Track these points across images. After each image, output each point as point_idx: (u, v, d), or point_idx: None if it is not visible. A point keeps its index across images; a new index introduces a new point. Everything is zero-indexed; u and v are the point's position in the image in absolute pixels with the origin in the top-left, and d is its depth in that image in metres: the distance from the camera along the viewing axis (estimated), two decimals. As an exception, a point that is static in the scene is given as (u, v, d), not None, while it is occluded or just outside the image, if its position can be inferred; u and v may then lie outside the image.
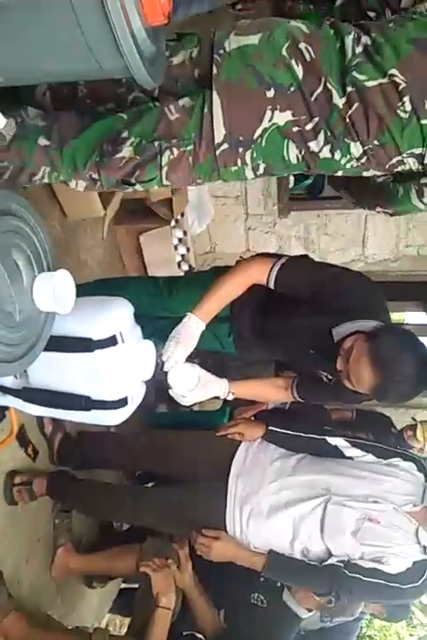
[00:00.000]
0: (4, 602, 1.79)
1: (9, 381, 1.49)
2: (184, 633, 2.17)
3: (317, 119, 1.27)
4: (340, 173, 1.38)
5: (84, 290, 1.36)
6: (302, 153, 1.31)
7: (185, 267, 3.36)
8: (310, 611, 1.98)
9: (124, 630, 2.30)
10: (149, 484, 2.40)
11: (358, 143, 1.29)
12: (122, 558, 2.19)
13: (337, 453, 1.85)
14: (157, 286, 1.96)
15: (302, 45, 1.24)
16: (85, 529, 2.47)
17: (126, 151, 1.32)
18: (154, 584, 1.87)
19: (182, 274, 3.27)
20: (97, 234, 2.74)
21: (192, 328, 1.50)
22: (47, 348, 1.26)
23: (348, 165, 1.33)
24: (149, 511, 2.00)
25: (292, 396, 1.85)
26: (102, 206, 2.41)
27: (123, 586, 2.78)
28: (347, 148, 1.30)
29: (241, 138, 1.29)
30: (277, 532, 1.77)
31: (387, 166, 1.33)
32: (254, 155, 1.31)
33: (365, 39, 1.24)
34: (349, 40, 1.24)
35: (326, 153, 1.31)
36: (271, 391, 1.91)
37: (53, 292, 1.16)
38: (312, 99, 1.25)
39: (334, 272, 1.71)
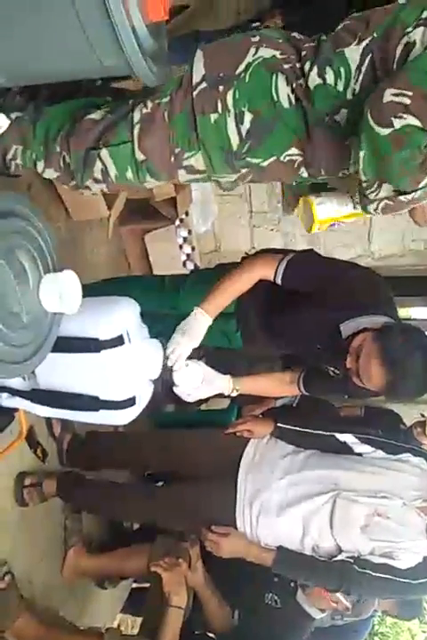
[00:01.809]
0: (16, 604, 1.80)
1: (17, 383, 1.49)
2: (196, 632, 2.17)
3: (305, 53, 1.21)
4: (343, 114, 1.19)
5: (90, 290, 1.36)
6: (294, 86, 1.19)
7: (190, 265, 3.36)
8: (323, 611, 1.98)
9: (137, 630, 2.29)
10: (159, 484, 2.40)
11: (355, 44, 1.15)
12: (133, 558, 2.20)
13: (346, 449, 1.84)
14: (163, 285, 1.96)
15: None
16: (96, 529, 2.48)
17: (97, 114, 1.28)
18: (165, 583, 1.87)
19: (188, 272, 3.27)
20: (102, 234, 2.74)
21: (199, 322, 1.50)
22: (55, 349, 1.27)
23: (347, 89, 1.17)
24: (159, 510, 2.00)
25: (298, 389, 1.84)
26: (107, 207, 2.42)
27: (134, 585, 2.78)
28: (341, 60, 1.16)
29: (221, 74, 1.19)
30: (287, 529, 1.77)
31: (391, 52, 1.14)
32: (237, 95, 1.18)
33: None
34: None
35: (315, 79, 1.17)
36: (277, 386, 1.91)
37: (60, 292, 1.16)
38: (303, 45, 1.22)
39: (340, 267, 1.70)
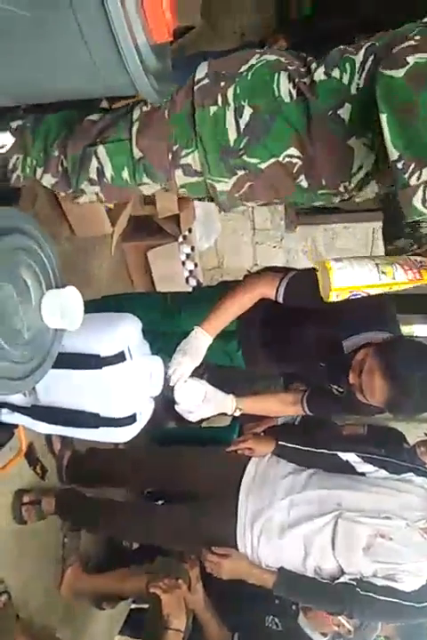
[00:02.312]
0: (13, 624, 1.77)
1: (18, 399, 1.48)
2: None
3: (310, 59, 1.20)
4: (347, 109, 1.14)
5: (92, 306, 1.36)
6: (297, 82, 1.17)
7: (193, 282, 3.37)
8: (325, 635, 1.94)
9: (135, 652, 2.26)
10: (159, 502, 2.38)
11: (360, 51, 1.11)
12: (131, 578, 2.17)
13: (349, 469, 1.82)
14: (165, 302, 1.96)
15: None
16: (95, 548, 2.45)
17: (96, 115, 1.28)
18: (164, 605, 1.84)
19: (190, 289, 3.27)
20: (105, 251, 2.75)
21: (199, 341, 1.49)
22: (56, 365, 1.26)
23: (351, 83, 1.13)
24: (159, 530, 1.98)
25: (302, 409, 1.83)
26: (110, 223, 2.43)
27: (133, 606, 2.74)
28: (347, 59, 1.14)
29: (224, 72, 1.19)
30: (288, 550, 1.74)
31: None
32: (238, 90, 1.17)
33: None
34: None
35: (320, 74, 1.15)
36: (280, 406, 1.89)
37: (62, 308, 1.16)
38: (308, 57, 1.21)
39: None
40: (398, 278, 1.27)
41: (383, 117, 1.03)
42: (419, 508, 1.73)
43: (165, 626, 1.81)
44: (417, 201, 1.04)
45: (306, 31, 2.28)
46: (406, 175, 1.04)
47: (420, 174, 1.03)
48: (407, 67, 1.00)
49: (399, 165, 1.04)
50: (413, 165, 1.03)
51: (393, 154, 1.04)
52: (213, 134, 1.21)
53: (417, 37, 1.04)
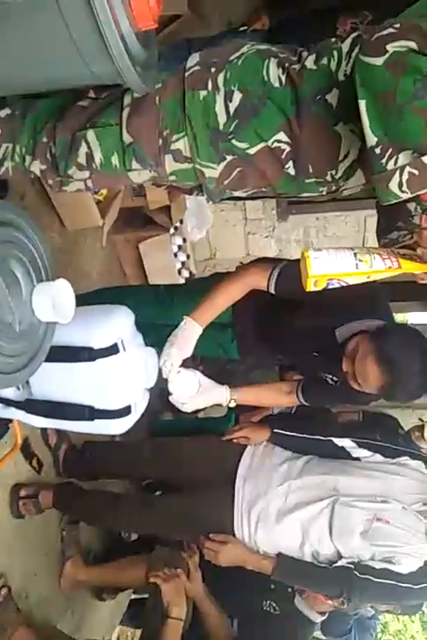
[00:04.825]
0: (13, 617, 1.78)
1: (11, 393, 1.48)
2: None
3: (301, 49, 1.21)
4: (335, 94, 1.15)
5: (84, 299, 1.36)
6: (286, 67, 1.18)
7: (185, 273, 3.36)
8: (323, 614, 1.96)
9: (136, 642, 2.27)
10: (157, 493, 2.39)
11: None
12: (131, 569, 2.18)
13: (344, 454, 1.83)
14: (158, 294, 1.96)
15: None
16: (93, 540, 2.46)
17: (86, 101, 1.27)
18: (164, 594, 1.86)
19: (183, 281, 3.27)
20: (96, 243, 2.74)
21: (188, 332, 1.49)
22: (49, 359, 1.26)
23: (338, 70, 1.15)
24: (157, 520, 1.99)
25: (297, 399, 1.84)
26: (101, 215, 2.42)
27: (133, 597, 2.76)
28: (335, 46, 1.16)
29: (215, 59, 1.21)
30: (286, 536, 1.76)
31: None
32: (228, 76, 1.19)
33: None
34: None
35: (310, 62, 1.17)
36: (275, 396, 1.90)
37: (53, 301, 1.16)
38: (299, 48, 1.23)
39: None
40: (376, 266, 1.28)
41: (362, 103, 1.05)
42: (415, 491, 1.74)
43: (165, 615, 1.83)
44: (394, 185, 1.06)
45: (289, 11, 2.27)
46: (384, 160, 1.05)
47: (397, 159, 1.04)
48: (386, 55, 1.01)
49: (377, 151, 1.06)
50: (390, 150, 1.05)
51: (371, 139, 1.06)
52: (202, 118, 1.21)
53: (397, 25, 1.04)
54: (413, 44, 1.00)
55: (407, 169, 1.04)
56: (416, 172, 1.04)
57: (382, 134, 1.04)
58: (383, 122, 1.04)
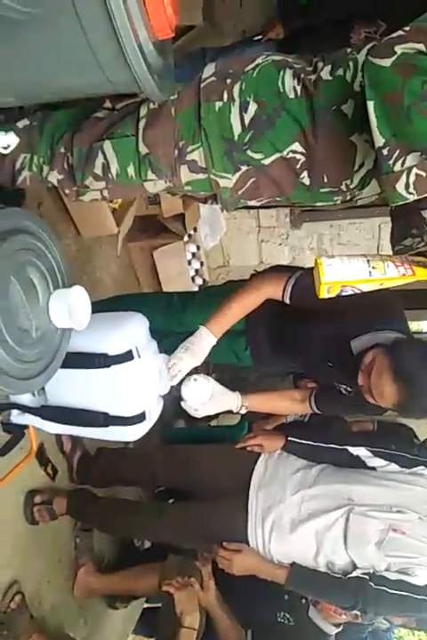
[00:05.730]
0: (26, 624, 1.78)
1: (27, 399, 1.49)
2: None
3: (317, 59, 1.22)
4: (350, 105, 1.15)
5: (99, 307, 1.36)
6: (302, 78, 1.19)
7: (199, 281, 3.37)
8: (338, 626, 1.94)
9: (149, 651, 2.26)
10: (170, 501, 2.38)
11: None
12: (144, 577, 2.17)
13: (359, 463, 1.81)
14: (172, 302, 1.96)
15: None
16: (107, 548, 2.45)
17: (103, 112, 1.29)
18: (177, 603, 1.85)
19: (197, 288, 3.28)
20: (111, 251, 2.76)
21: (203, 341, 1.49)
22: (64, 365, 1.26)
23: (354, 81, 1.15)
24: (170, 528, 1.98)
25: (310, 408, 1.82)
26: (116, 223, 2.44)
27: (146, 605, 2.75)
28: (351, 57, 1.17)
29: (231, 71, 1.22)
30: (300, 545, 1.74)
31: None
32: (244, 87, 1.20)
33: None
34: None
35: (326, 73, 1.18)
36: (287, 404, 1.89)
37: (69, 308, 1.16)
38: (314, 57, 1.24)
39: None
40: (390, 274, 1.27)
41: (370, 104, 1.05)
42: (431, 501, 1.72)
43: (178, 624, 1.81)
44: (401, 186, 1.06)
45: (303, 20, 2.28)
46: (391, 162, 1.05)
47: (404, 160, 1.04)
48: (395, 56, 1.02)
49: (385, 152, 1.06)
50: (398, 152, 1.05)
51: (379, 140, 1.06)
52: (218, 128, 1.22)
53: (406, 28, 1.05)
54: (421, 46, 1.01)
55: (415, 170, 1.04)
56: (424, 173, 1.04)
57: (390, 135, 1.05)
58: (391, 123, 1.05)
